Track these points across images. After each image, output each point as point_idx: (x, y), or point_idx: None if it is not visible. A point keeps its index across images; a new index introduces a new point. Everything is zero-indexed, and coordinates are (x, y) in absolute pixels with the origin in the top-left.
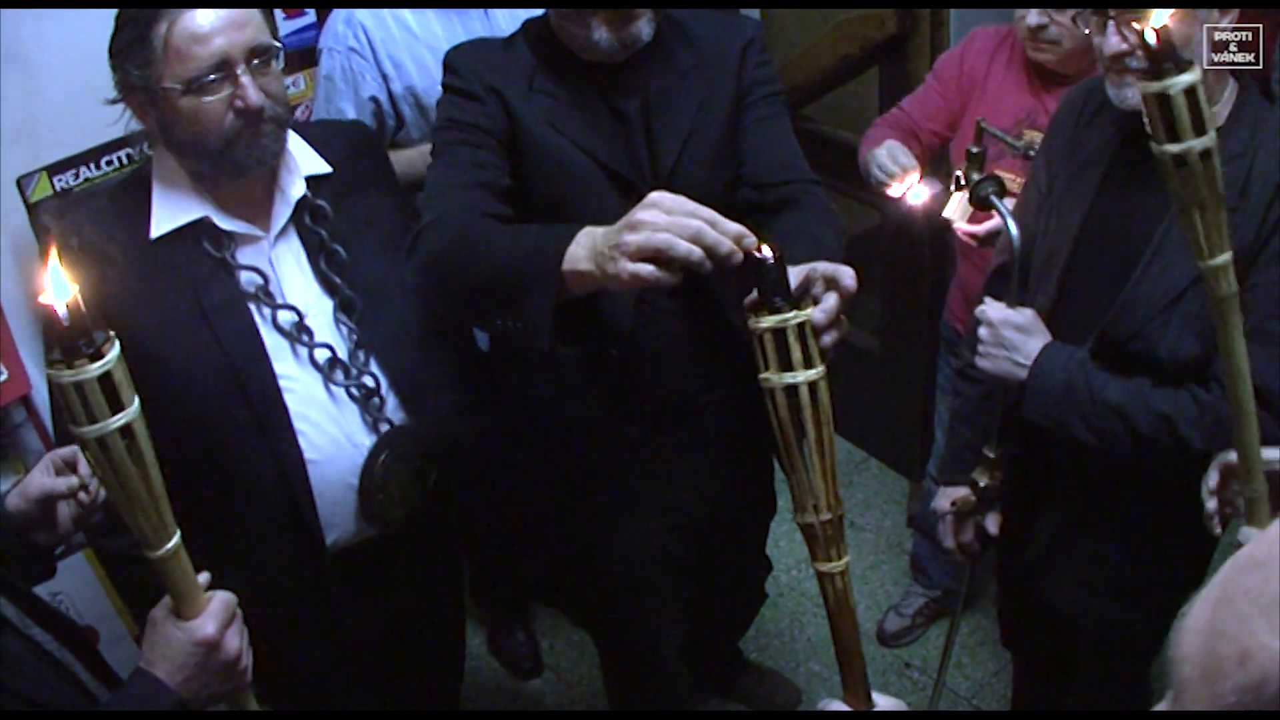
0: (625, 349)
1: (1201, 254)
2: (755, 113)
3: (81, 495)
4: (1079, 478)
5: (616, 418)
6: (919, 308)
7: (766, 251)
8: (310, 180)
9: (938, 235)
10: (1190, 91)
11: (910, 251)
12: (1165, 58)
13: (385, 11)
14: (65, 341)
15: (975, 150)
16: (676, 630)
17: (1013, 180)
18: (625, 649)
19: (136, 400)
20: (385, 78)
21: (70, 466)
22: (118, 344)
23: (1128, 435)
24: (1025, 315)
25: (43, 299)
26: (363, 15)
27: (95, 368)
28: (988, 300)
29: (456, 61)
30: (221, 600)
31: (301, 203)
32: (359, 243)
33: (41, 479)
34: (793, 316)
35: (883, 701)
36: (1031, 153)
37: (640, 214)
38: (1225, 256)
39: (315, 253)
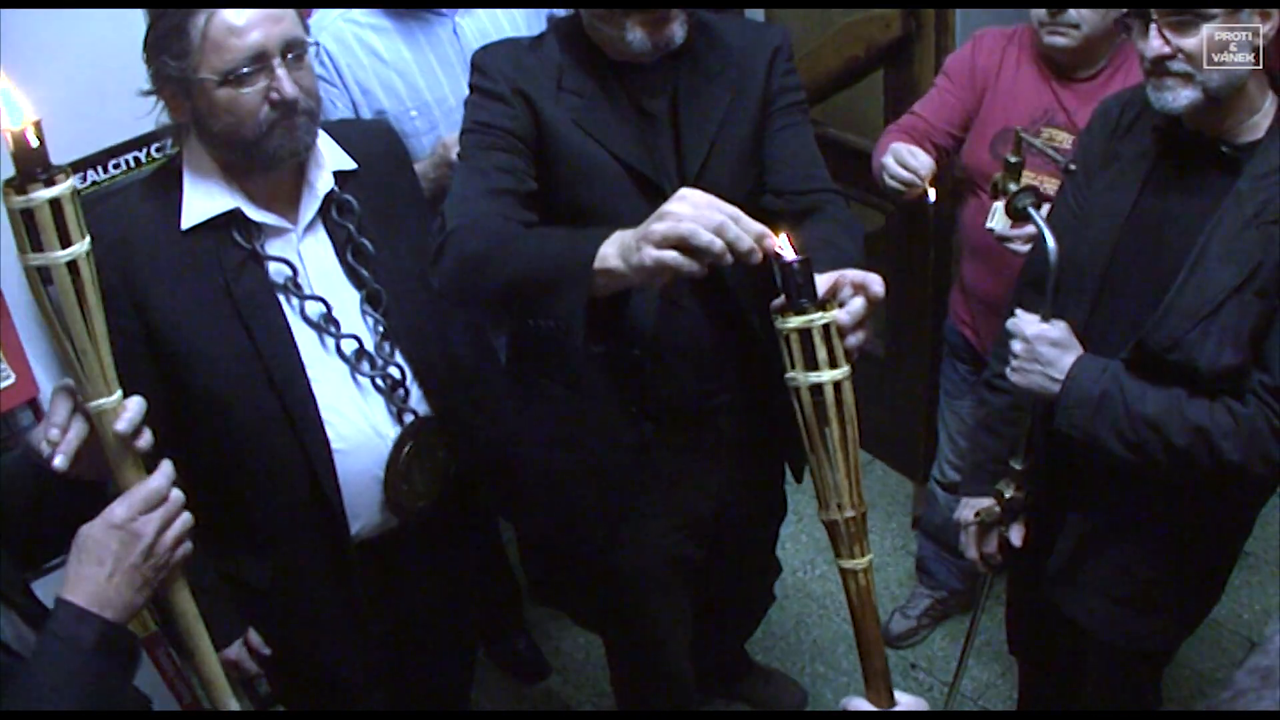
0: (646, 349)
1: None
2: (781, 120)
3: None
4: (1106, 489)
5: (632, 417)
6: (923, 311)
7: (793, 253)
8: (337, 175)
9: (943, 238)
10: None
11: (915, 255)
12: None
13: (351, 38)
14: (22, 165)
15: (1014, 160)
16: (684, 630)
17: (1038, 180)
18: (633, 649)
19: (87, 240)
20: (354, 105)
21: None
22: (74, 180)
23: (1162, 448)
24: (1059, 329)
25: (7, 125)
26: (329, 42)
27: (45, 193)
28: (1020, 313)
29: (484, 62)
30: (144, 484)
31: (329, 196)
32: (384, 237)
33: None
34: (819, 318)
35: (904, 700)
36: (1073, 167)
37: (668, 206)
38: None
39: (343, 246)
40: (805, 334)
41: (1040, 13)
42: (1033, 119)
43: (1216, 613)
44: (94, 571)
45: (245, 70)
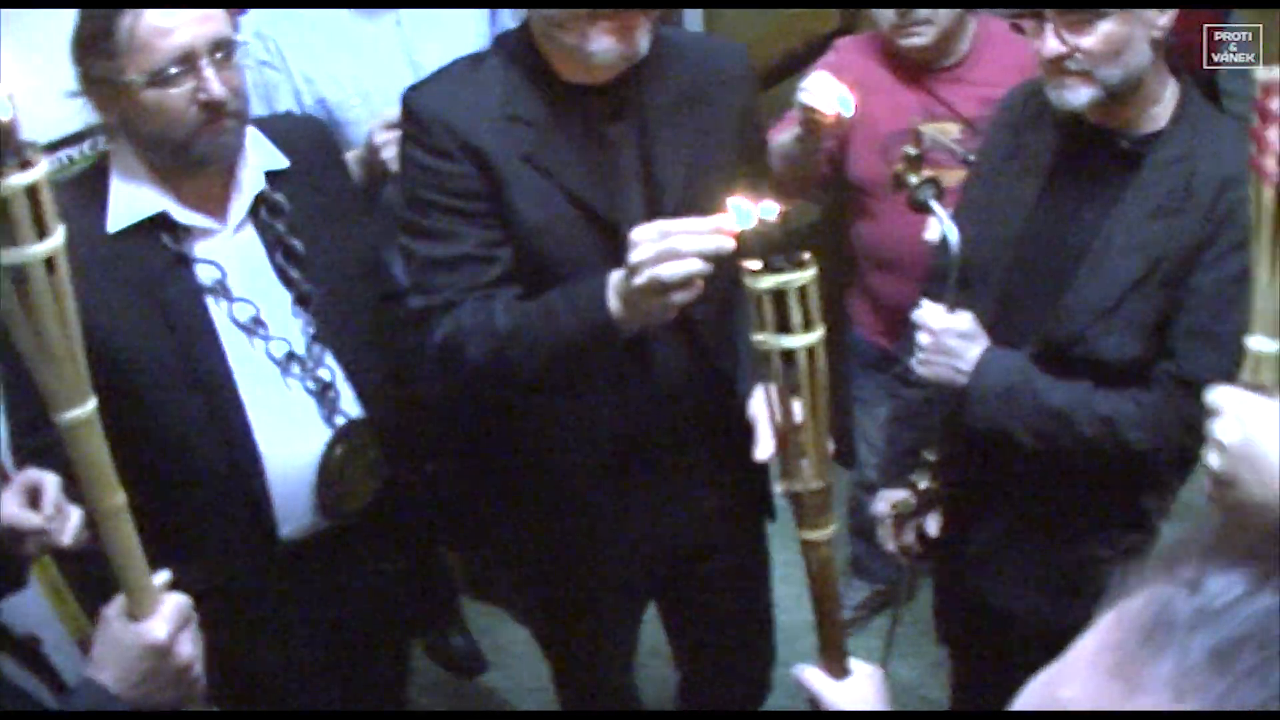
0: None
1: None
2: (752, 145)
3: (44, 538)
4: (1020, 479)
5: (595, 443)
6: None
7: (765, 211)
8: (268, 174)
9: (834, 250)
10: None
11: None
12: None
13: (296, 13)
14: None
15: (913, 153)
16: (628, 648)
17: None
18: (568, 657)
19: (62, 230)
20: (297, 91)
21: (36, 496)
22: (46, 164)
23: (1070, 438)
24: (965, 320)
25: None
26: (273, 27)
27: (21, 179)
28: (925, 304)
29: (420, 109)
30: (175, 603)
31: (259, 197)
32: (316, 236)
33: (12, 509)
34: (795, 278)
35: (859, 669)
36: (972, 158)
37: (631, 258)
38: None
39: (272, 247)
40: (779, 295)
41: (889, 15)
42: (910, 118)
43: None
44: (124, 686)
45: (173, 71)
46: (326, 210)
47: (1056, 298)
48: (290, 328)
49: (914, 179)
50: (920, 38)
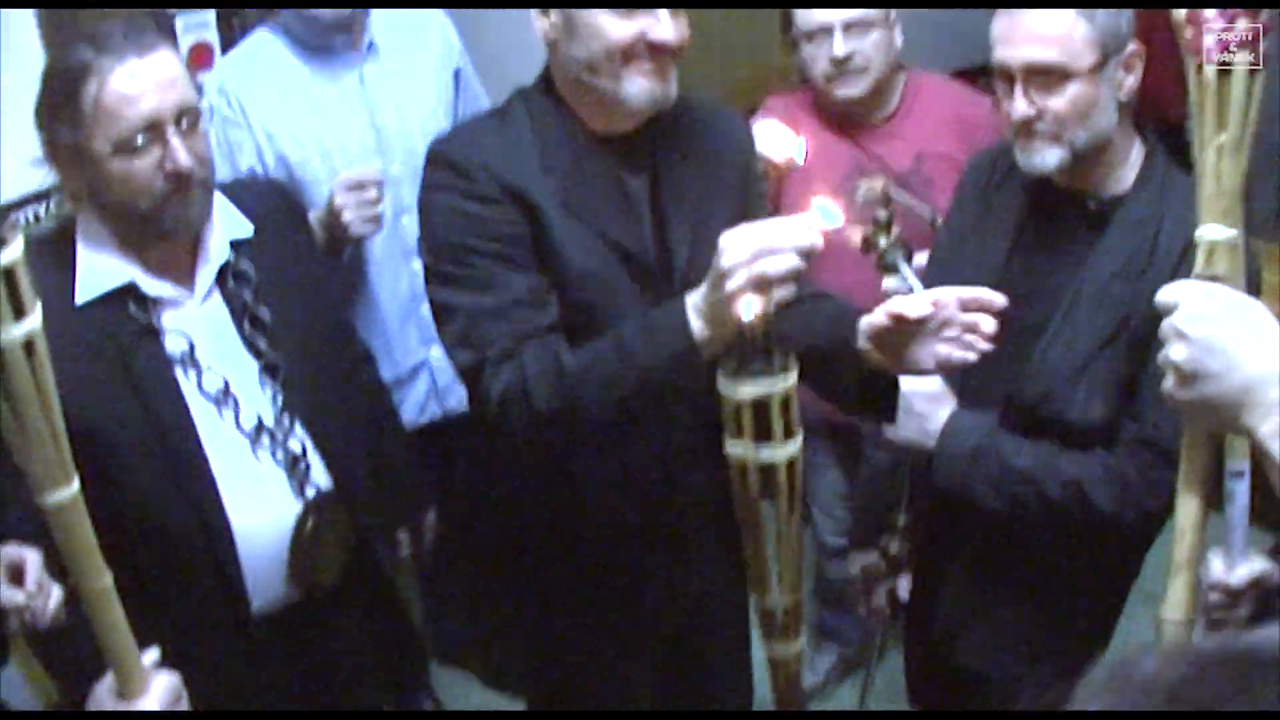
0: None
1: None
2: (756, 193)
3: (26, 615)
4: (989, 541)
5: (624, 501)
6: None
7: (755, 308)
8: (234, 242)
9: None
10: None
11: None
12: None
13: (259, 71)
14: None
15: (883, 215)
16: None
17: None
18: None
19: (39, 309)
20: (259, 147)
21: (19, 573)
22: (22, 240)
23: (1037, 501)
24: (933, 383)
25: None
26: (235, 83)
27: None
28: None
29: (454, 156)
30: (166, 682)
31: (225, 265)
32: (282, 303)
33: None
34: (780, 384)
35: None
36: (939, 220)
37: (723, 262)
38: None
39: (240, 316)
40: (761, 404)
41: (825, 66)
42: (845, 175)
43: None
44: None
45: (139, 140)
46: (293, 277)
47: (1025, 359)
48: (259, 398)
49: (884, 241)
50: (854, 88)
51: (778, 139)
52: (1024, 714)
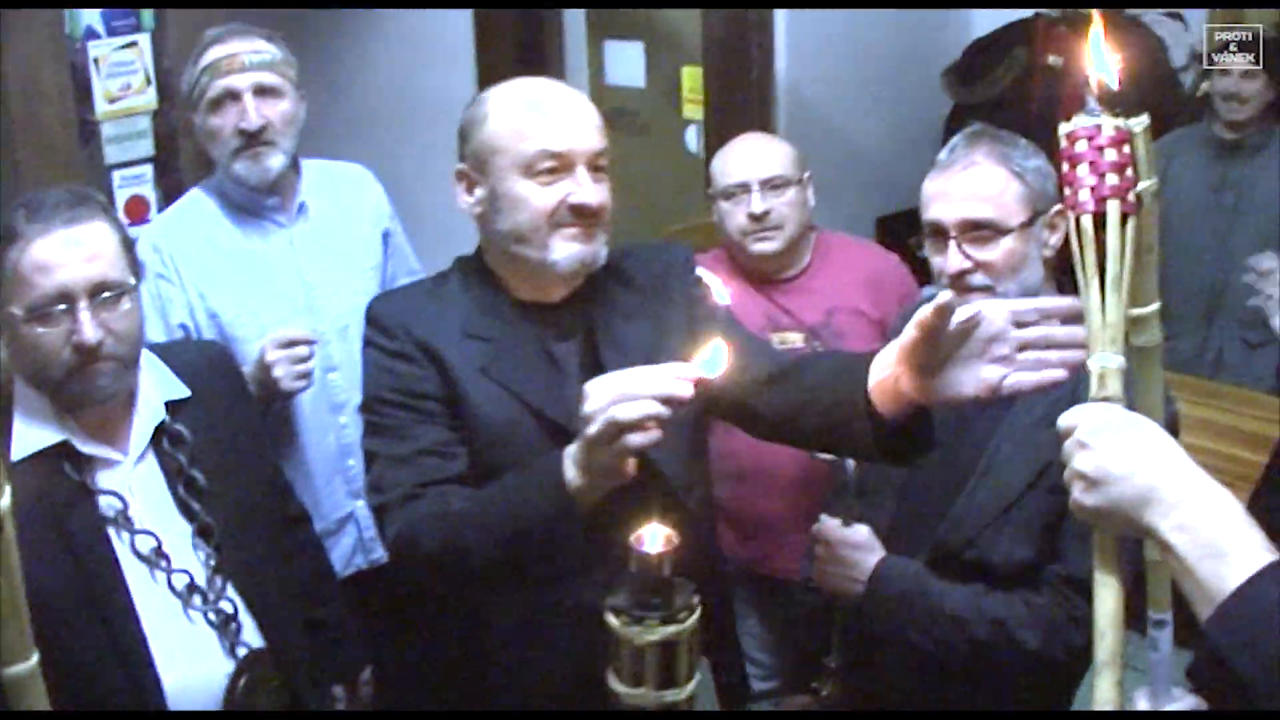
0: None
1: (1133, 303)
2: (705, 310)
3: None
4: (920, 682)
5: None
6: None
7: (650, 542)
8: (169, 404)
9: None
10: (1144, 133)
11: None
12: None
13: (192, 229)
14: None
15: None
16: None
17: None
18: None
19: (9, 491)
20: (191, 305)
21: None
22: None
23: (965, 642)
24: (861, 533)
25: None
26: (168, 240)
27: None
28: (824, 519)
29: (382, 316)
30: None
31: (160, 427)
32: (219, 466)
33: None
34: (687, 624)
35: None
36: None
37: (585, 409)
38: (1154, 306)
39: (174, 478)
40: (669, 646)
41: (742, 223)
42: (760, 329)
43: None
44: None
45: (49, 310)
46: (229, 439)
47: (951, 505)
48: (191, 559)
49: None
50: (771, 242)
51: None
52: (1031, 714)
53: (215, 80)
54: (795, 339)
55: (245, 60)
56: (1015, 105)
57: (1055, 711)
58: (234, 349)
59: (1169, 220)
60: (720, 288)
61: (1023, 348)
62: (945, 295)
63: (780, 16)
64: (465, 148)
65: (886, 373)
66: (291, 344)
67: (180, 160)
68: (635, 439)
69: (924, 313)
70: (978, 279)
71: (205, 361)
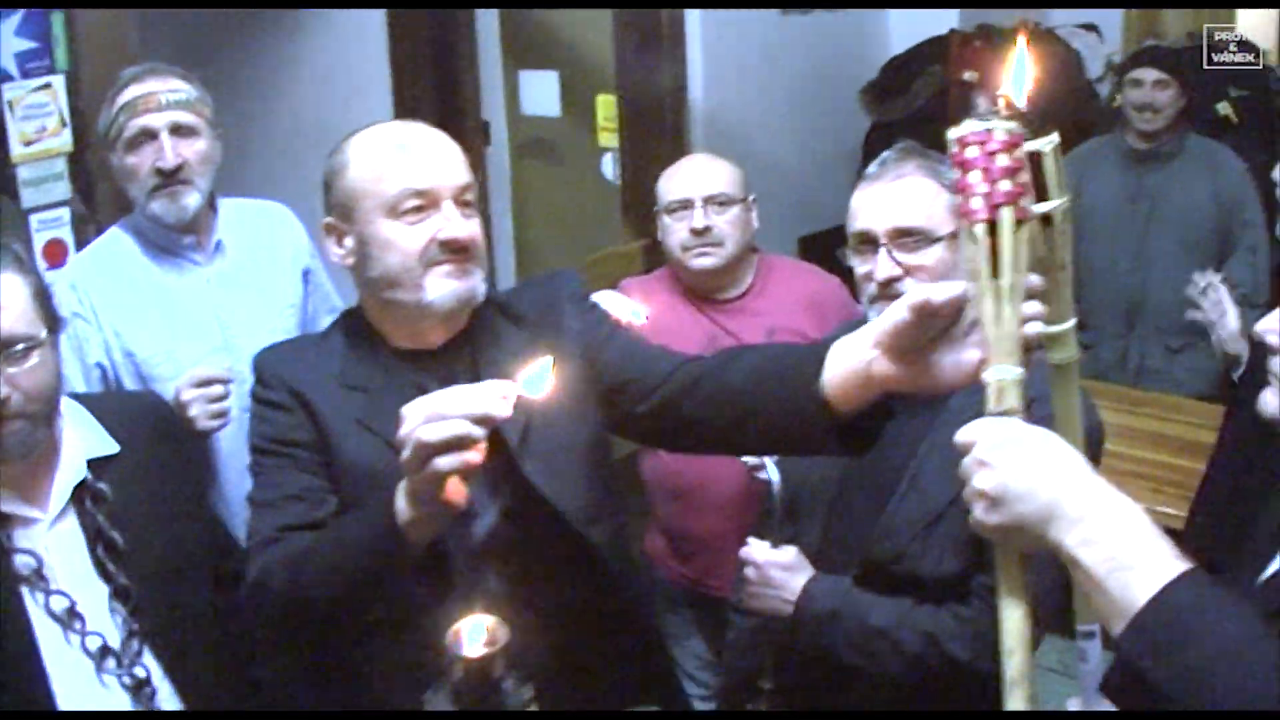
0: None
1: (1049, 320)
2: (600, 333)
3: None
4: (856, 701)
5: None
6: None
7: (469, 642)
8: (95, 460)
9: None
10: (1054, 152)
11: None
12: (1028, 121)
13: (109, 268)
14: None
15: None
16: None
17: None
18: None
19: None
20: (107, 344)
21: None
22: None
23: (895, 656)
24: (789, 554)
25: None
26: (85, 279)
27: None
28: (751, 541)
29: (262, 368)
30: None
31: (81, 485)
32: (144, 526)
33: None
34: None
35: None
36: None
37: (400, 433)
38: (1070, 323)
39: (93, 538)
40: None
41: (684, 237)
42: (700, 348)
43: None
44: None
45: None
46: (159, 494)
47: (877, 520)
48: (107, 622)
49: None
50: (711, 258)
51: (616, 304)
52: (1022, 714)
53: (132, 120)
54: None
55: (162, 99)
56: (933, 121)
57: (1049, 711)
58: (151, 388)
59: (1087, 230)
60: (637, 307)
61: None
62: (921, 290)
63: (694, 42)
64: (330, 198)
65: (857, 361)
66: (207, 383)
67: (97, 202)
68: (445, 462)
69: (919, 294)
70: (906, 285)
71: (138, 414)
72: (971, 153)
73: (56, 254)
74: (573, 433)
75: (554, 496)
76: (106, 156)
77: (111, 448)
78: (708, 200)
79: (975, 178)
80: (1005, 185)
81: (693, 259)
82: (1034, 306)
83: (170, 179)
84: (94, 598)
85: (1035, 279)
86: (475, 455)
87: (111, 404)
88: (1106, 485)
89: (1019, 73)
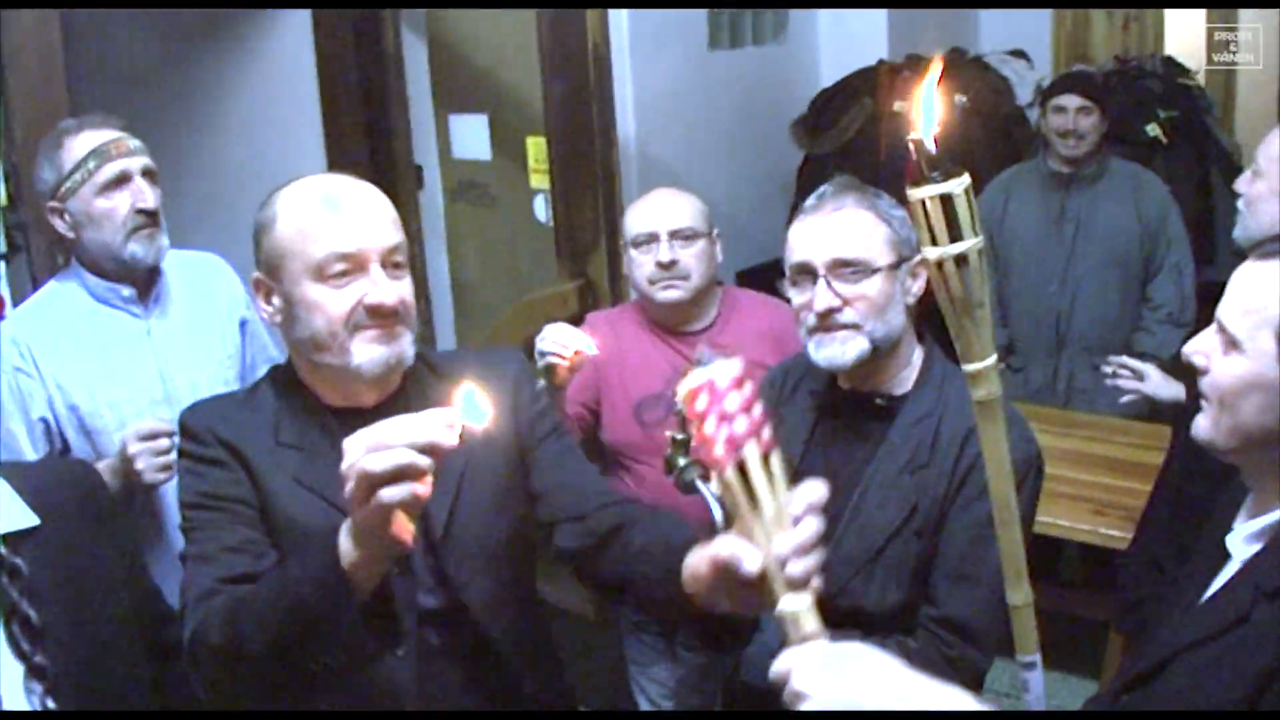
0: None
1: (968, 358)
2: (546, 449)
3: None
4: None
5: None
6: None
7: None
8: (11, 535)
9: None
10: (966, 193)
11: None
12: (938, 164)
13: (50, 321)
14: None
15: (679, 437)
16: None
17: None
18: None
19: None
20: (50, 397)
21: None
22: None
23: None
24: None
25: None
26: (27, 333)
27: None
28: None
29: (192, 424)
30: None
31: None
32: (65, 602)
33: None
34: None
35: None
36: None
37: (342, 467)
38: (989, 360)
39: (7, 615)
40: None
41: (651, 271)
42: (666, 380)
43: None
44: None
45: None
46: (82, 568)
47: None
48: (22, 702)
49: (681, 461)
50: (677, 291)
51: (566, 336)
52: (1019, 714)
53: (105, 164)
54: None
55: (129, 145)
56: (864, 152)
57: (1049, 711)
58: (97, 440)
59: (1014, 254)
60: (587, 340)
61: None
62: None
63: (625, 78)
64: (258, 254)
65: (691, 575)
66: (153, 436)
67: (31, 255)
68: (390, 493)
69: (726, 550)
70: (846, 316)
71: (62, 483)
72: (701, 403)
73: None
74: (490, 524)
75: (459, 585)
76: (54, 208)
77: (30, 520)
78: (673, 234)
79: (711, 426)
80: (742, 423)
81: (659, 292)
82: (796, 537)
83: (152, 220)
84: (8, 677)
85: (797, 507)
86: (423, 488)
87: (33, 474)
88: (927, 683)
89: (927, 110)
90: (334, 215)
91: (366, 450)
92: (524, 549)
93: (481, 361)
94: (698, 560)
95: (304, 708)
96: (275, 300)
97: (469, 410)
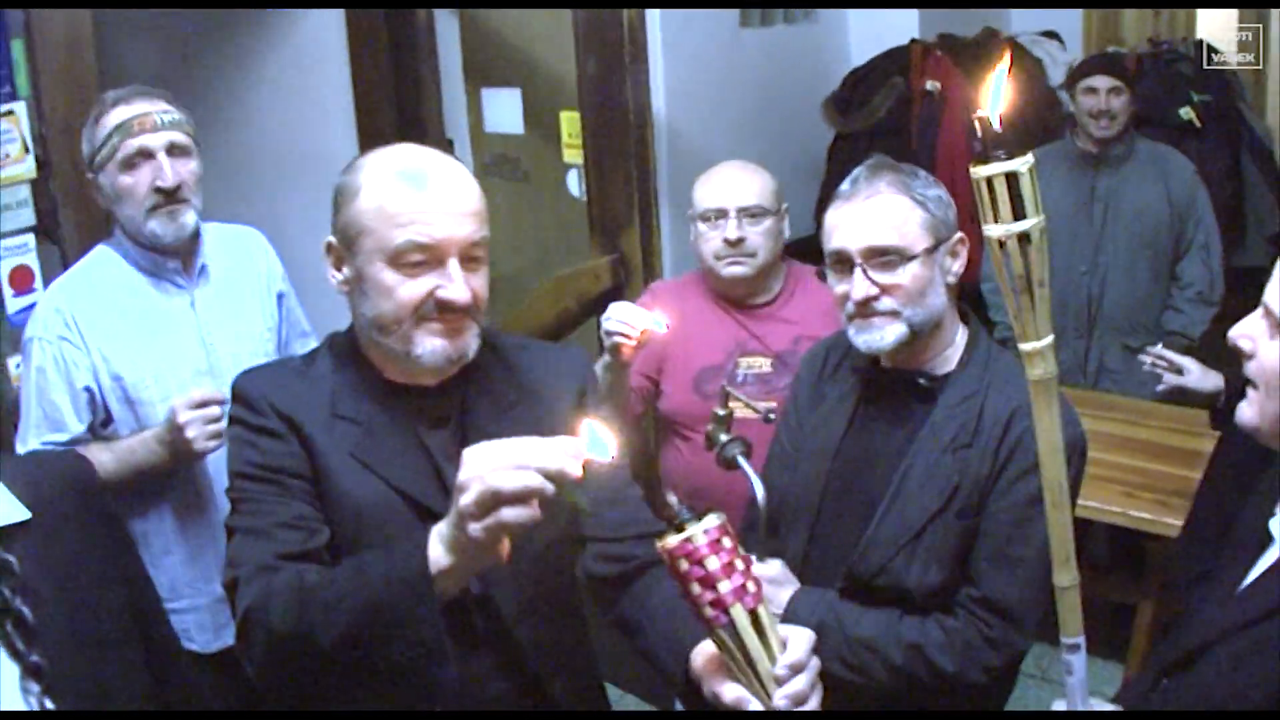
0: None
1: (1026, 337)
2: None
3: None
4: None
5: None
6: None
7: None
8: (1, 529)
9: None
10: (1030, 172)
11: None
12: (1001, 143)
13: (95, 291)
14: None
15: (721, 413)
16: None
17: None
18: None
19: None
20: (95, 367)
21: None
22: None
23: (882, 667)
24: (774, 567)
25: None
26: (72, 303)
27: None
28: None
29: (247, 391)
30: None
31: None
32: (59, 598)
33: None
34: None
35: None
36: (772, 416)
37: (462, 476)
38: (1048, 340)
39: (0, 614)
40: None
41: (718, 246)
42: (728, 352)
43: None
44: None
45: None
46: (75, 563)
47: (862, 533)
48: (19, 703)
49: (724, 437)
50: (743, 267)
51: (633, 315)
52: (1015, 714)
53: (128, 140)
54: (762, 363)
55: (156, 120)
56: (895, 132)
57: (1049, 711)
58: (139, 411)
59: None
60: (658, 317)
61: None
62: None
63: (655, 55)
64: (336, 219)
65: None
66: (204, 404)
67: (62, 228)
68: (512, 513)
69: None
70: (884, 304)
71: (56, 477)
72: (683, 566)
73: (24, 280)
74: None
75: (491, 585)
76: (91, 179)
77: (21, 514)
78: (742, 211)
79: (697, 590)
80: (725, 586)
81: (725, 268)
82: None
83: (170, 198)
84: (4, 678)
85: (782, 669)
86: (537, 512)
87: (24, 468)
88: None
89: (995, 94)
90: (418, 199)
91: (494, 467)
92: (564, 551)
93: (550, 357)
94: (704, 665)
95: (353, 699)
96: (346, 270)
97: (594, 444)
